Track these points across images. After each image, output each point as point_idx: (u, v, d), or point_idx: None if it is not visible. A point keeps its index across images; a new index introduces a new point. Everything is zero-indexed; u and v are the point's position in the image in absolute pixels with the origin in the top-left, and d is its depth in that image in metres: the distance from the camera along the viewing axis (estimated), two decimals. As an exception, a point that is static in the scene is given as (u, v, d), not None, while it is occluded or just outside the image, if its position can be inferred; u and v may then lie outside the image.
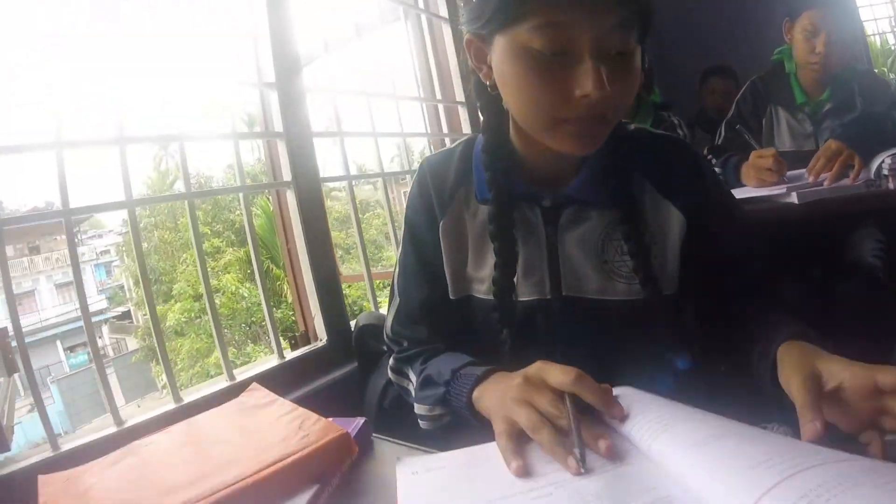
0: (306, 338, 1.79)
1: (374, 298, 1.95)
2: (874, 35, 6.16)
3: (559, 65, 0.79)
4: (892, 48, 6.22)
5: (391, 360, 1.11)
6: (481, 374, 0.86)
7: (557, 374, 0.72)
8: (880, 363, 1.80)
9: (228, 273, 14.51)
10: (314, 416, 0.84)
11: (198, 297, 14.41)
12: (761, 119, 2.20)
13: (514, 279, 0.96)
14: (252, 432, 0.83)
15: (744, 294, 0.97)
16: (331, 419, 0.85)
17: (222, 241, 15.35)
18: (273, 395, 0.95)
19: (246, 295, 13.81)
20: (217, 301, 14.40)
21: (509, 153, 0.98)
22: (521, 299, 0.98)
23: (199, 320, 14.09)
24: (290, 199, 1.70)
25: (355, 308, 11.39)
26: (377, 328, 1.38)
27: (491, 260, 0.97)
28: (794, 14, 2.06)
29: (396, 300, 1.12)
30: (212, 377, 13.16)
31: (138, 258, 1.42)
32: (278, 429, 0.82)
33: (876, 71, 3.71)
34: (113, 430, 1.23)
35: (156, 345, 1.39)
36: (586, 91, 0.77)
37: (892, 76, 6.66)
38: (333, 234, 1.98)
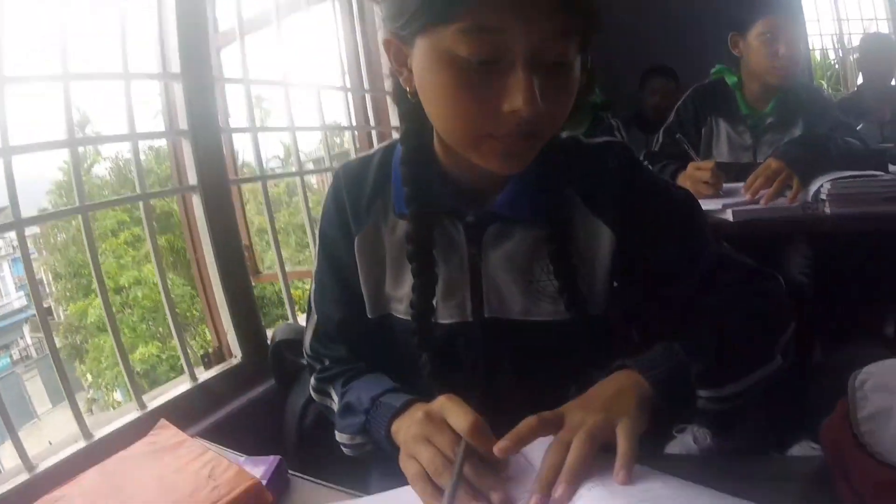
0: (220, 355, 1.70)
1: (292, 306, 1.86)
2: (817, 50, 6.46)
3: (487, 74, 0.72)
4: (832, 63, 6.44)
5: (312, 380, 1.05)
6: (400, 406, 0.83)
7: (456, 416, 0.71)
8: (804, 377, 1.83)
9: (149, 262, 14.16)
10: (225, 461, 0.81)
11: (119, 290, 14.02)
12: (700, 128, 2.21)
13: (434, 301, 0.92)
14: (162, 482, 0.81)
15: (680, 309, 0.95)
16: (243, 459, 0.84)
17: (142, 230, 14.96)
18: (182, 435, 0.92)
19: (169, 286, 13.52)
20: (139, 293, 14.09)
21: (431, 165, 0.92)
22: (441, 322, 0.93)
23: (121, 315, 13.74)
24: (197, 204, 1.58)
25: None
26: (296, 342, 1.33)
27: (410, 279, 0.92)
28: (743, 25, 2.08)
29: (314, 317, 1.06)
30: (138, 374, 12.94)
31: (31, 284, 1.32)
32: (188, 478, 0.79)
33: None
34: (25, 476, 1.15)
35: (82, 342, 1.28)
36: (516, 106, 0.71)
37: (830, 91, 6.98)
38: (259, 218, 1.89)
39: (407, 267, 0.92)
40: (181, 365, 1.54)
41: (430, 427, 0.72)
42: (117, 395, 14.85)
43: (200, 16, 1.60)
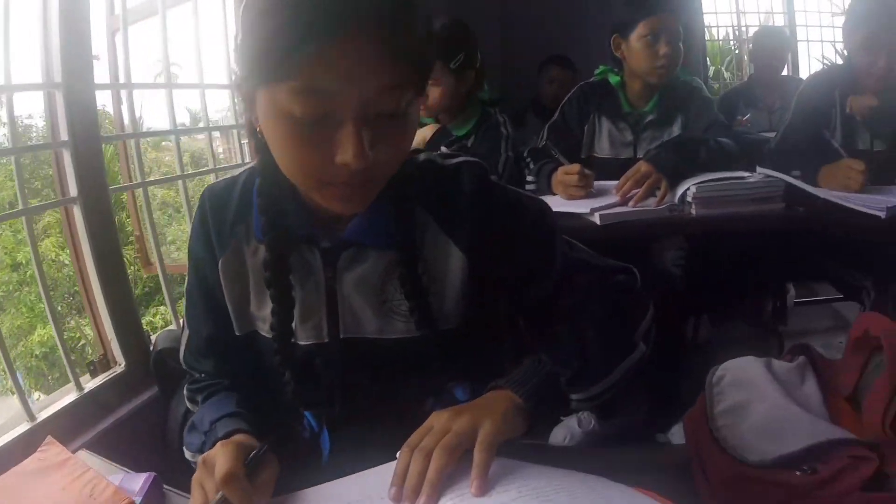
0: (106, 362, 1.74)
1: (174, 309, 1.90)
2: (717, 40, 6.77)
3: (320, 129, 0.75)
4: (732, 48, 6.70)
5: (185, 389, 1.10)
6: (222, 435, 0.88)
7: (218, 464, 0.77)
8: (681, 361, 1.95)
9: (48, 237, 13.50)
10: (104, 480, 0.86)
11: (16, 267, 13.37)
12: (584, 125, 2.33)
13: (293, 324, 0.97)
14: (51, 501, 0.85)
15: (541, 316, 1.02)
16: (122, 477, 0.88)
17: (40, 200, 14.25)
18: (66, 453, 0.95)
19: (68, 262, 12.92)
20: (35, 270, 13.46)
21: (287, 194, 0.95)
22: (301, 343, 0.98)
23: (18, 293, 13.10)
24: (78, 215, 1.62)
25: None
26: (177, 350, 1.36)
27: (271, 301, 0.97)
28: (625, 27, 2.18)
29: (186, 331, 1.10)
30: (36, 357, 12.35)
31: None
32: (72, 497, 0.84)
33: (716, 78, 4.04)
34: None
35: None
36: (346, 160, 0.75)
37: (727, 75, 7.26)
38: (161, 192, 1.92)
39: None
40: (78, 349, 1.58)
41: (203, 472, 0.78)
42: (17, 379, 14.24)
43: (83, 26, 1.62)
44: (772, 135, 2.54)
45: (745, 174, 1.85)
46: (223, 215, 1.01)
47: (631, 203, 1.82)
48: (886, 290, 1.96)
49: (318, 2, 0.69)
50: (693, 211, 1.78)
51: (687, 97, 2.26)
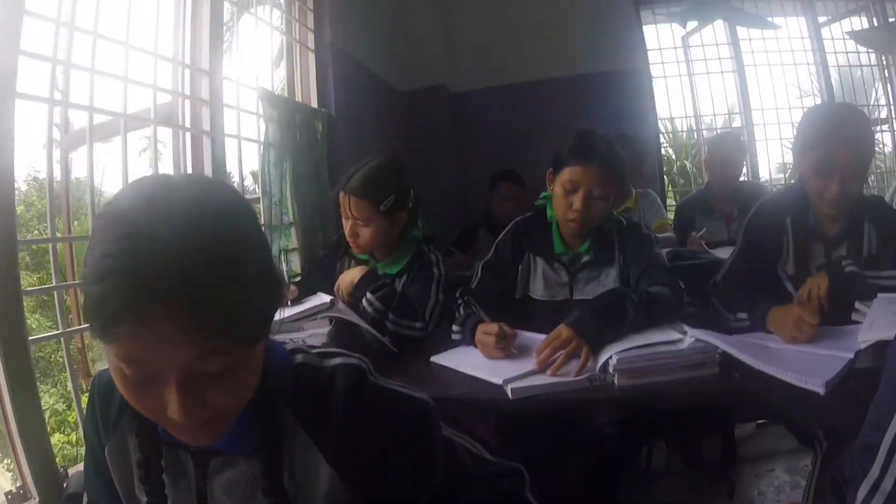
0: (23, 495, 1.79)
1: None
2: (679, 143, 6.97)
3: (151, 385, 0.79)
4: (694, 139, 6.70)
5: None
6: None
7: None
8: None
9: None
10: None
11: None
12: (518, 264, 2.28)
13: None
14: None
15: None
16: None
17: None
18: None
19: (35, 326, 12.77)
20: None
21: None
22: None
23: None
24: (-1, 359, 1.71)
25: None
26: None
27: None
28: (557, 166, 2.14)
29: (86, 496, 1.15)
30: None
31: None
32: None
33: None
34: None
35: None
36: (174, 417, 0.78)
37: (693, 169, 7.36)
38: None
39: None
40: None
41: None
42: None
43: (6, 177, 1.76)
44: (727, 251, 2.52)
45: (677, 336, 1.75)
46: (109, 406, 1.05)
47: (549, 371, 1.72)
48: (840, 441, 1.67)
49: (127, 281, 0.71)
50: (616, 382, 1.66)
51: (624, 235, 2.21)
